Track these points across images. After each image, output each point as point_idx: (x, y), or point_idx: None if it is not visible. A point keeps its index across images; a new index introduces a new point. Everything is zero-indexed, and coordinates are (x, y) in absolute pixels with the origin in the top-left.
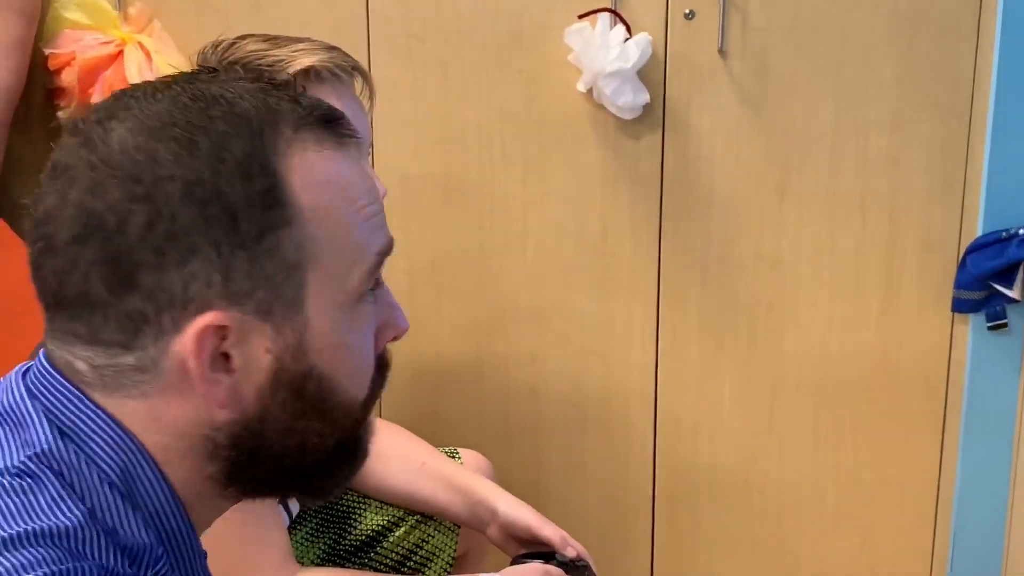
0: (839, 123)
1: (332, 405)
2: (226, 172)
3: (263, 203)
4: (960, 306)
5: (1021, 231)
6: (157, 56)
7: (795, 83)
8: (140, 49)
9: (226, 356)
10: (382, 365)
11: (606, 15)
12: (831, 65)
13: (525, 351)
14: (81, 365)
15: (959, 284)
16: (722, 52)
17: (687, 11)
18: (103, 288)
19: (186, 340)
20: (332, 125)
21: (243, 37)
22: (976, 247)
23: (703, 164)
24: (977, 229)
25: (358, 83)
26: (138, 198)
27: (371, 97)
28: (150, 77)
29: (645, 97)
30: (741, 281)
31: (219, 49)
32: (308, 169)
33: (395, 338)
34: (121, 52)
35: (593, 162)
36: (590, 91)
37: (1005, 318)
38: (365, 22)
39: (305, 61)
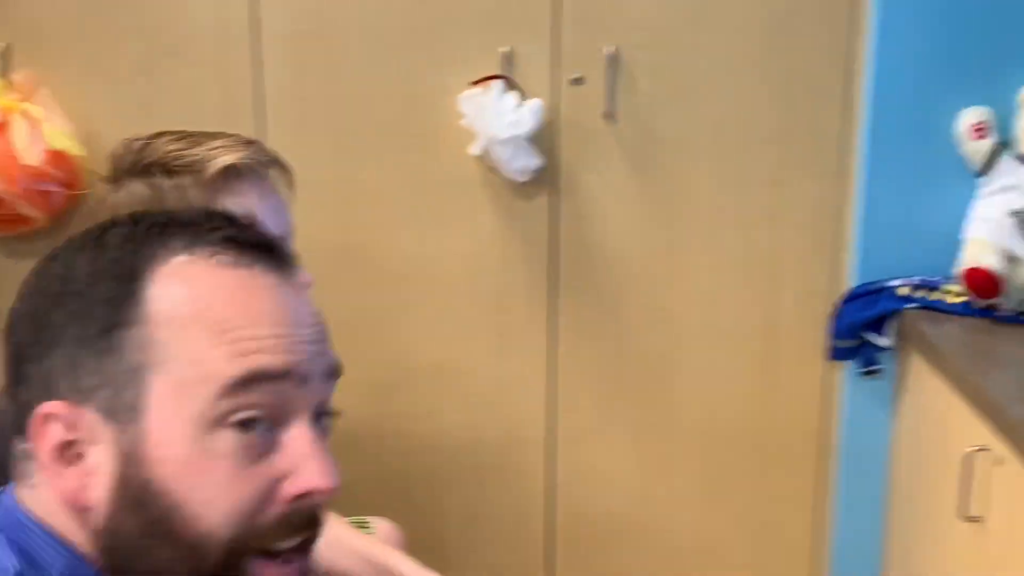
0: (721, 182)
1: (180, 531)
2: (96, 271)
3: (115, 302)
4: (836, 354)
5: (891, 283)
6: (45, 124)
7: (679, 145)
8: (27, 117)
9: (79, 454)
10: (292, 519)
11: (499, 81)
12: (713, 127)
13: (423, 408)
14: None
15: (834, 333)
16: (609, 116)
17: (575, 76)
18: (12, 380)
19: (32, 425)
20: (244, 247)
21: (159, 135)
22: (850, 298)
23: (594, 223)
24: (850, 281)
25: (275, 174)
26: (29, 295)
27: (290, 187)
28: (40, 146)
29: (538, 161)
30: (633, 334)
31: (134, 149)
32: (182, 279)
33: (307, 496)
34: (7, 122)
35: (488, 223)
36: (484, 154)
37: (877, 364)
38: (257, 86)
39: (225, 159)
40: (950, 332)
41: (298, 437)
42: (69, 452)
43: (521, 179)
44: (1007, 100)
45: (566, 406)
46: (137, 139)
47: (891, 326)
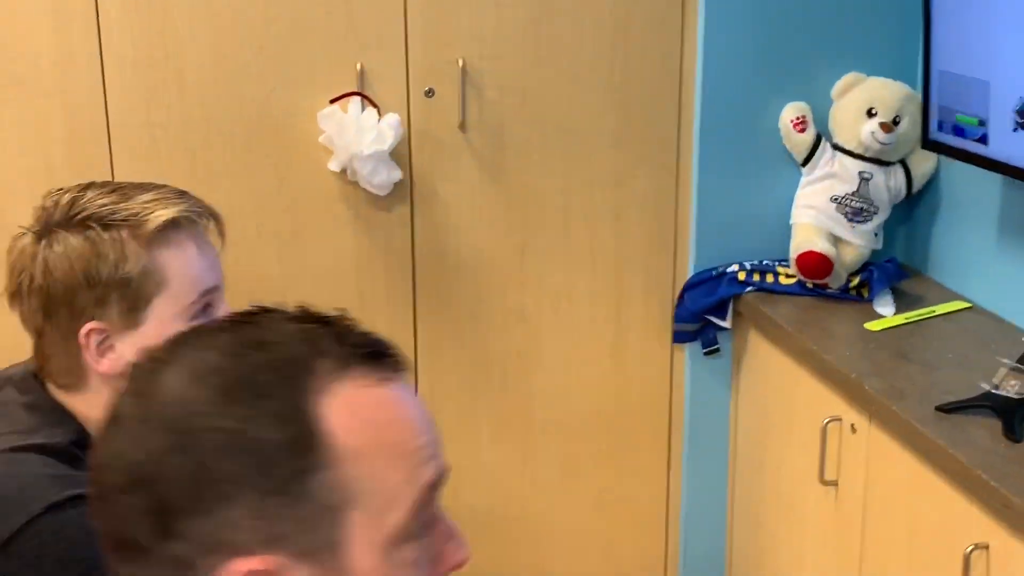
0: (568, 184)
1: None
2: (262, 420)
3: (297, 448)
4: (679, 338)
5: (729, 269)
6: None
7: (528, 150)
8: None
9: None
10: None
11: (356, 97)
12: (558, 132)
13: None
14: None
15: (678, 319)
16: (462, 126)
17: (427, 89)
18: (149, 535)
19: None
20: (379, 360)
21: (85, 187)
22: (691, 285)
23: (451, 231)
24: (689, 270)
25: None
26: (176, 449)
27: (222, 236)
28: None
29: (398, 174)
30: (491, 334)
31: (64, 204)
32: (349, 409)
33: (457, 568)
34: None
35: (347, 238)
36: (343, 170)
37: (718, 344)
38: (104, 113)
39: (164, 214)
40: (787, 311)
41: (440, 519)
42: None
43: (382, 193)
44: (823, 95)
45: (430, 407)
46: (61, 191)
47: (731, 309)
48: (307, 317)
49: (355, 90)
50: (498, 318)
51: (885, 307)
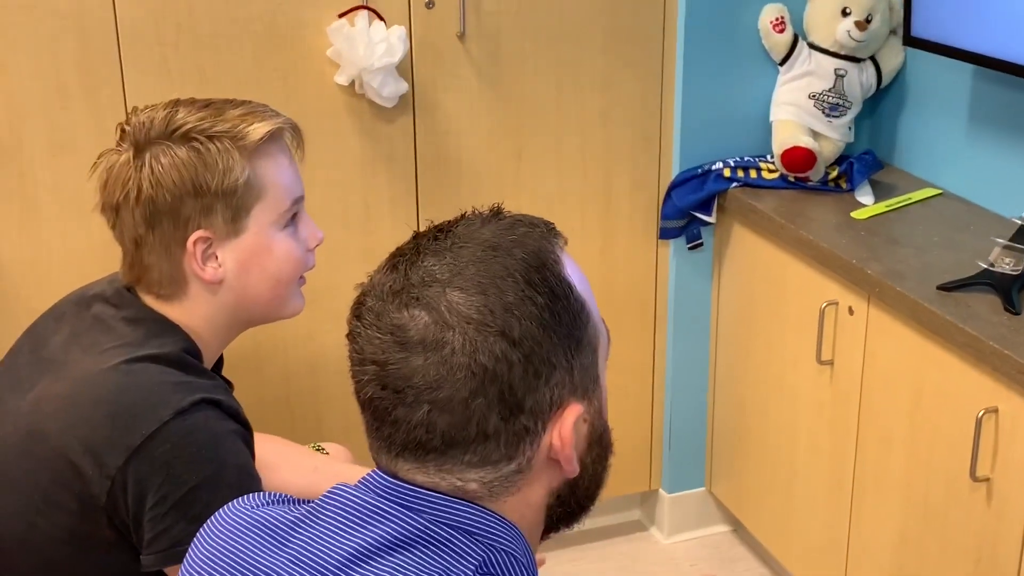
0: (560, 90)
1: (610, 442)
2: (554, 299)
3: (578, 314)
4: (665, 234)
5: (714, 167)
6: None
7: (523, 59)
8: None
9: (586, 437)
10: None
11: (363, 12)
12: (551, 40)
13: (302, 331)
14: (473, 485)
15: (664, 215)
16: (461, 36)
17: (428, 1)
18: (499, 421)
19: (564, 433)
20: (559, 233)
21: (174, 104)
22: (678, 183)
23: (451, 138)
24: (674, 169)
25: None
26: (514, 343)
27: (301, 148)
28: None
29: (405, 85)
30: None
31: (161, 120)
32: (572, 269)
33: None
34: None
35: (352, 148)
36: (350, 84)
37: (701, 239)
38: (115, 33)
39: (261, 127)
40: (773, 204)
41: None
42: (580, 440)
43: (389, 104)
44: None
45: None
46: (148, 108)
47: (715, 204)
48: (499, 214)
49: (361, 3)
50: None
51: (866, 196)
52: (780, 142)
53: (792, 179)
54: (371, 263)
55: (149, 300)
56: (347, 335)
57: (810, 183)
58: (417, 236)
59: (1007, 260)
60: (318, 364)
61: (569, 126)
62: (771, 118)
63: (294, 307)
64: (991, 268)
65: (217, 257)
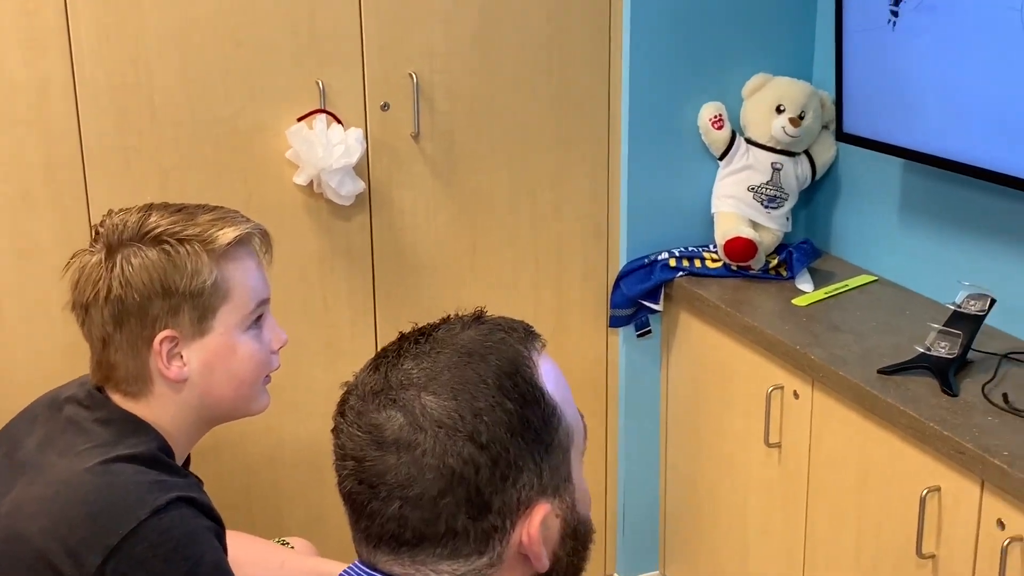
0: (513, 185)
1: (588, 533)
2: (524, 404)
3: (548, 416)
4: (615, 322)
5: (660, 257)
6: None
7: (476, 156)
8: None
9: (554, 535)
10: None
11: (321, 115)
12: (503, 138)
13: (260, 424)
14: None
15: (613, 304)
16: (415, 136)
17: (383, 103)
18: (467, 519)
19: (532, 532)
20: (538, 335)
21: (146, 209)
22: (626, 273)
23: (406, 234)
24: (622, 259)
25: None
26: (482, 447)
27: (269, 252)
28: None
29: (362, 184)
30: None
31: (133, 223)
32: (546, 372)
33: None
34: None
35: (310, 245)
36: (308, 183)
37: (649, 326)
38: (78, 138)
39: (230, 232)
40: (718, 292)
41: None
42: (551, 535)
43: (347, 203)
44: (736, 95)
45: None
46: (121, 212)
47: (662, 293)
48: (480, 318)
49: (319, 107)
50: (452, 312)
51: (805, 284)
52: (722, 233)
53: (735, 268)
54: (330, 357)
55: (118, 399)
56: (332, 430)
57: (752, 271)
58: (402, 338)
59: (943, 344)
60: (276, 457)
61: (521, 220)
62: (712, 210)
63: (260, 405)
64: (928, 352)
65: (182, 356)
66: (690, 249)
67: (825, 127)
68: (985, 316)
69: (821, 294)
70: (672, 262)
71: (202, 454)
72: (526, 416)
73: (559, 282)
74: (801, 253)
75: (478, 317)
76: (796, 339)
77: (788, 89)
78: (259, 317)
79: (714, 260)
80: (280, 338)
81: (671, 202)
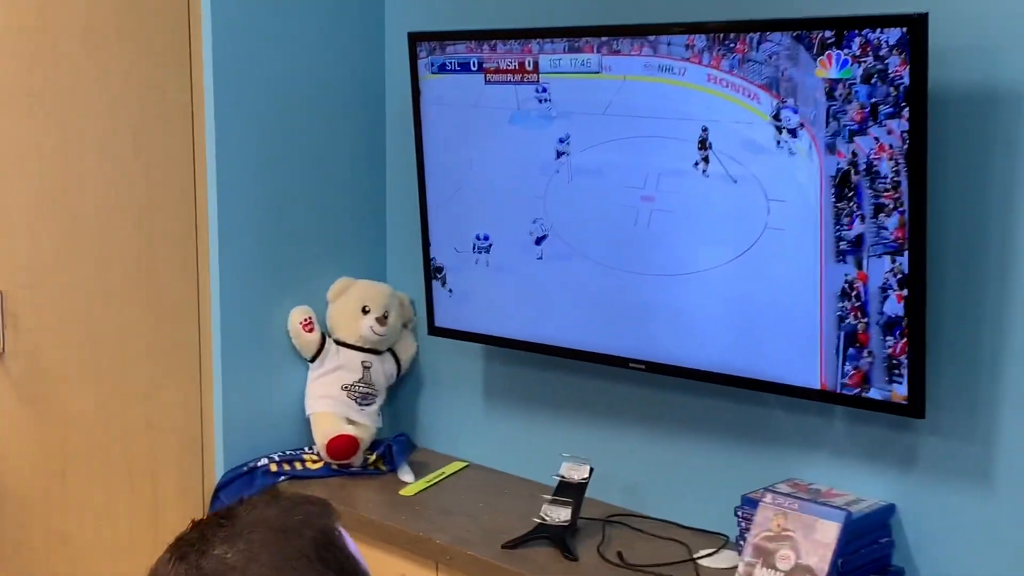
0: (104, 400)
1: None
2: (343, 574)
3: None
4: None
5: (260, 463)
6: None
7: (65, 373)
8: None
9: None
10: None
11: None
12: (92, 352)
13: None
14: None
15: None
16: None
17: None
18: None
19: None
20: (334, 508)
21: None
22: (226, 482)
23: None
24: (219, 470)
25: None
26: None
27: None
28: None
29: None
30: (35, 560)
31: None
32: (351, 544)
33: None
34: None
35: None
36: None
37: None
38: None
39: None
40: (323, 493)
41: None
42: None
43: None
44: (322, 298)
45: None
46: None
47: None
48: (276, 497)
49: None
50: (40, 543)
51: (407, 475)
52: (323, 432)
53: (336, 467)
54: None
55: None
56: None
57: (353, 468)
58: (199, 524)
59: (557, 513)
60: None
61: (113, 438)
62: (308, 412)
63: None
64: (545, 522)
65: None
66: (288, 453)
67: (405, 326)
68: (587, 483)
69: (424, 483)
70: (273, 467)
71: None
72: None
73: (155, 501)
74: (400, 446)
75: (275, 495)
76: (416, 527)
77: (370, 291)
78: None
79: (315, 461)
80: None
81: (267, 408)
